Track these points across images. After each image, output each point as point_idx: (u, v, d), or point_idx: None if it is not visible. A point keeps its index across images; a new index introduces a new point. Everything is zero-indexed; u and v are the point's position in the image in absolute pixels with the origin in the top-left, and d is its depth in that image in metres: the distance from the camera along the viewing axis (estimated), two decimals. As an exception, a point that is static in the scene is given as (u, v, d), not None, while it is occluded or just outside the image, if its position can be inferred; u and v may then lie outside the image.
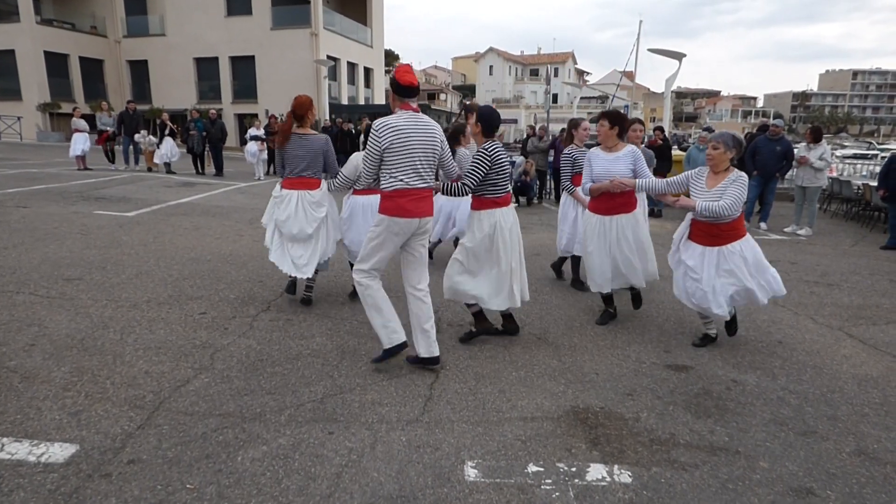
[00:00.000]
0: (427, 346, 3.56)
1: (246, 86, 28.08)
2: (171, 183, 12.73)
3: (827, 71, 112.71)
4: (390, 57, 46.73)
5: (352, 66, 30.83)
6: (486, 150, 3.74)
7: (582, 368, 3.74)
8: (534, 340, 4.22)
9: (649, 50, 17.14)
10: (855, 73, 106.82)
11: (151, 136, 15.04)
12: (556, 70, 66.44)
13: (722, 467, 2.67)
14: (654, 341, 4.28)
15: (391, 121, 3.36)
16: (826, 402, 3.36)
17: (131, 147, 15.07)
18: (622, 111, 11.89)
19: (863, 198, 10.59)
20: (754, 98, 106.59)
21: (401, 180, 3.36)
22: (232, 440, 2.76)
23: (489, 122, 3.79)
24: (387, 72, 35.80)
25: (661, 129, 11.29)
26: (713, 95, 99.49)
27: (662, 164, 10.50)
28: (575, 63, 73.53)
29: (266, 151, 15.40)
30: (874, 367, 3.90)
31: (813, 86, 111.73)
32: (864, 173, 16.25)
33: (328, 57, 26.58)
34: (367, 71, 32.64)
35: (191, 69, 28.51)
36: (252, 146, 15.01)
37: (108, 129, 14.78)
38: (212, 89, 28.66)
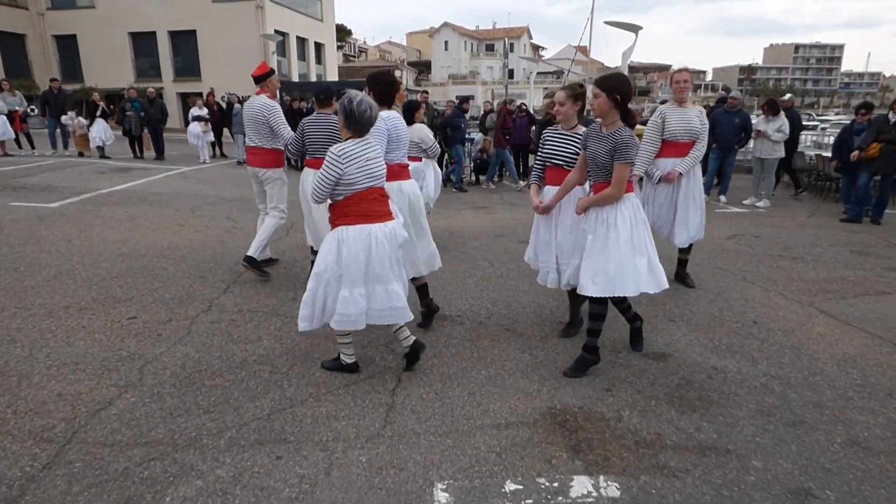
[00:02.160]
0: None
1: (188, 62, 26.51)
2: (104, 169, 11.80)
3: (771, 45, 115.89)
4: (342, 32, 45.27)
5: (301, 42, 29.55)
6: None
7: (556, 362, 3.46)
8: (502, 332, 3.93)
9: (606, 23, 16.88)
10: (797, 47, 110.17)
11: (81, 118, 13.90)
12: (511, 45, 65.93)
13: (714, 470, 2.44)
14: (628, 326, 4.04)
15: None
16: (809, 387, 3.19)
17: (58, 130, 13.92)
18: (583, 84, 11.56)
19: (815, 168, 10.71)
20: (703, 71, 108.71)
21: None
22: (160, 475, 2.36)
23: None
24: (339, 47, 34.59)
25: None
26: (665, 69, 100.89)
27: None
28: (530, 38, 73.08)
29: (211, 132, 14.52)
30: (850, 345, 3.78)
31: (758, 59, 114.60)
32: (808, 143, 16.65)
33: (276, 31, 25.31)
34: (318, 46, 31.37)
35: (126, 45, 26.67)
36: (195, 127, 14.09)
37: (17, 109, 13.50)
38: (151, 67, 26.93)
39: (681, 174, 4.63)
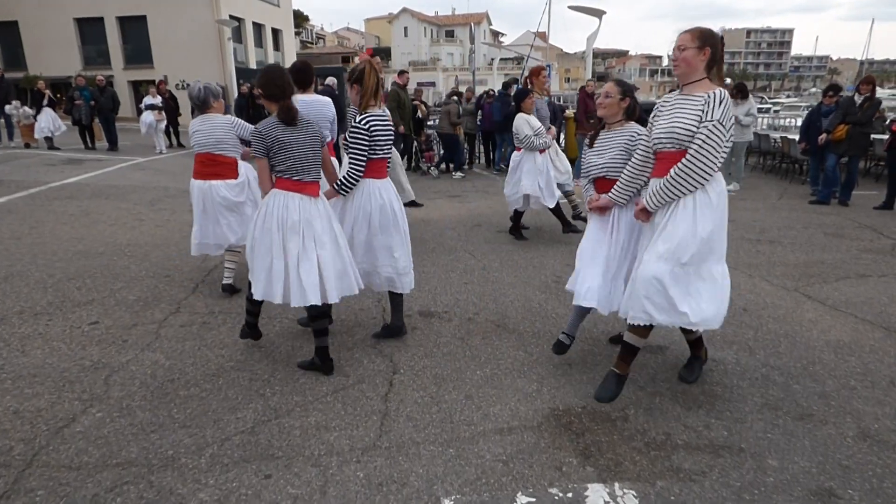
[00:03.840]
0: None
1: (139, 49, 25.24)
2: (53, 160, 11.09)
3: (723, 29, 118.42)
4: (299, 18, 44.07)
5: (258, 27, 28.54)
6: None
7: (552, 359, 3.32)
8: (493, 328, 3.76)
9: (570, 7, 16.75)
10: (748, 32, 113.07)
11: (26, 108, 13.05)
12: (471, 31, 65.47)
13: (731, 471, 2.34)
14: (621, 319, 3.93)
15: None
16: (811, 377, 3.14)
17: (2, 120, 13.04)
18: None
19: (781, 151, 10.90)
20: (660, 57, 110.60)
21: None
22: (134, 502, 2.11)
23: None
24: (297, 33, 33.63)
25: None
26: (622, 55, 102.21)
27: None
28: (490, 24, 72.72)
29: (165, 121, 13.83)
30: (842, 331, 3.76)
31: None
32: (764, 126, 17.09)
33: (231, 17, 24.34)
34: (276, 32, 30.37)
35: (72, 31, 25.23)
36: (148, 116, 13.36)
37: None
38: (99, 54, 25.57)
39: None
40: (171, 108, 14.22)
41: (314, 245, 2.90)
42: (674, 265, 2.59)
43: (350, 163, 3.11)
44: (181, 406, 2.78)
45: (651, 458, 2.43)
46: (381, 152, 3.19)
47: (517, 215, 6.11)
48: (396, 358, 3.31)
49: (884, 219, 7.15)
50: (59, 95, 14.06)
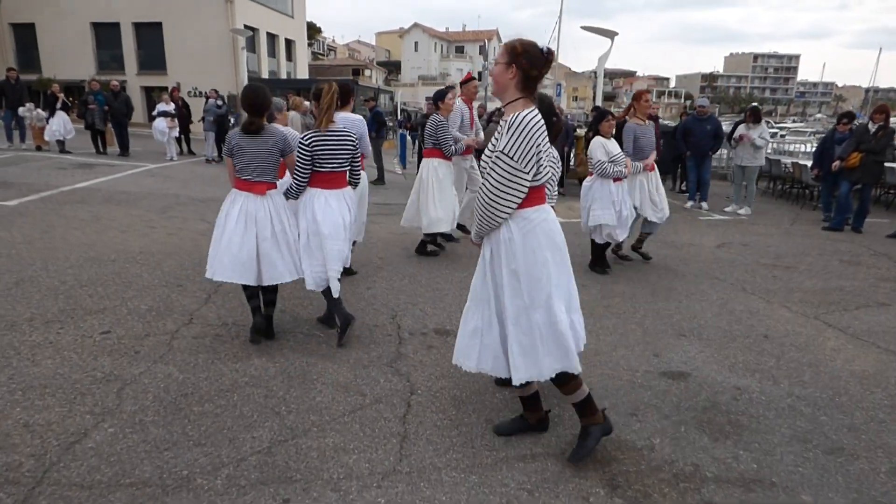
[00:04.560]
0: None
1: (153, 56, 25.45)
2: (64, 164, 11.12)
3: (731, 54, 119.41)
4: (312, 30, 44.52)
5: (272, 38, 28.79)
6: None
7: (573, 383, 3.25)
8: (511, 349, 3.69)
9: (582, 27, 16.81)
10: (755, 57, 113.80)
11: (39, 110, 13.12)
12: (480, 48, 66.01)
13: (763, 508, 2.27)
14: (640, 343, 3.87)
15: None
16: (838, 409, 3.06)
17: (14, 122, 13.10)
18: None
19: (792, 176, 10.87)
20: (667, 78, 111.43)
21: None
22: (149, 526, 2.05)
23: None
24: (309, 44, 33.91)
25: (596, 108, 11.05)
26: (630, 75, 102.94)
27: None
28: (500, 41, 73.35)
29: (178, 129, 13.89)
30: (866, 361, 3.69)
31: (719, 68, 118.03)
32: (770, 151, 17.08)
33: (245, 27, 24.58)
34: (289, 43, 30.64)
35: (88, 35, 25.46)
36: (160, 123, 13.45)
37: None
38: (113, 59, 25.77)
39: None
40: (183, 115, 14.28)
41: (255, 234, 3.47)
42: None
43: (294, 174, 3.53)
44: (195, 423, 2.71)
45: (681, 490, 2.35)
46: (327, 166, 3.53)
47: (598, 248, 5.54)
48: (413, 378, 3.24)
49: (899, 247, 7.08)
50: (71, 99, 14.09)
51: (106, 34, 25.59)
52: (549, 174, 2.47)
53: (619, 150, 5.29)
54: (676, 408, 3.03)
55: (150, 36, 25.28)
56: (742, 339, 4.02)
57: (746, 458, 2.60)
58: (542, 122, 2.27)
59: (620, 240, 5.47)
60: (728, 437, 2.77)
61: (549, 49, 2.27)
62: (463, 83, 6.20)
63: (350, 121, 4.31)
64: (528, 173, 2.23)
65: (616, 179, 5.26)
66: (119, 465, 2.38)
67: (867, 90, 71.85)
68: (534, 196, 2.33)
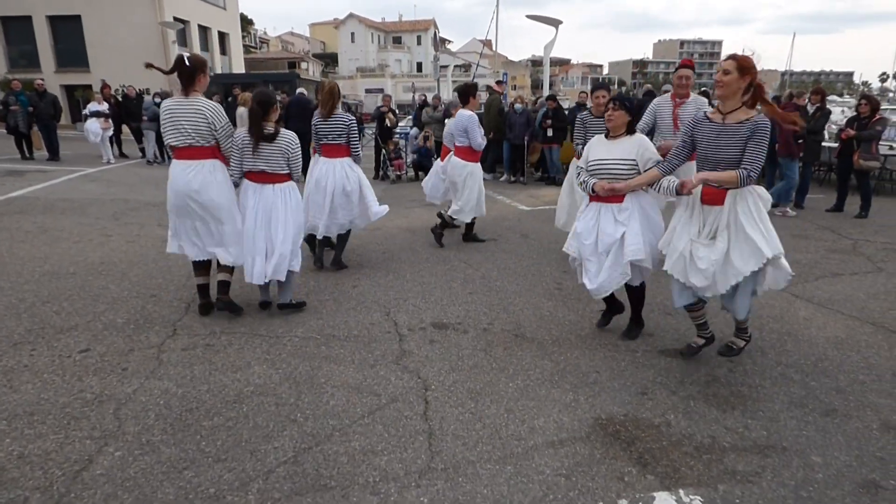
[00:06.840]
0: None
1: (73, 52, 23.83)
2: (-9, 173, 10.29)
3: (659, 40, 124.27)
4: (244, 21, 42.85)
5: (204, 31, 27.54)
6: None
7: (579, 367, 3.32)
8: (512, 338, 3.73)
9: (528, 16, 17.14)
10: (682, 43, 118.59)
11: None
12: (418, 38, 65.70)
13: (782, 471, 2.40)
14: (632, 320, 3.99)
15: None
16: (824, 374, 3.28)
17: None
18: (502, 80, 11.69)
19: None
20: (600, 66, 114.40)
21: None
22: (191, 550, 1.95)
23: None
24: (243, 37, 32.69)
25: (552, 97, 11.23)
26: (565, 63, 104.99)
27: (559, 133, 10.47)
28: (437, 31, 73.13)
29: (111, 129, 13.05)
30: (837, 328, 3.95)
31: (648, 54, 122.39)
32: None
33: (175, 19, 23.42)
34: (222, 36, 29.41)
35: (-6, 31, 23.61)
36: (93, 124, 12.58)
37: None
38: (24, 55, 23.96)
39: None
40: (116, 114, 13.44)
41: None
42: None
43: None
44: (209, 438, 2.59)
45: (705, 462, 2.46)
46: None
47: None
48: (423, 373, 3.22)
49: (838, 220, 7.60)
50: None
51: (16, 28, 23.76)
52: None
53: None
54: (681, 383, 3.15)
55: (68, 30, 23.67)
56: (722, 314, 4.20)
57: (755, 426, 2.74)
58: None
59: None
60: (735, 407, 2.91)
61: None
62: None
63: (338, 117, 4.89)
64: None
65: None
66: (138, 489, 2.25)
67: (783, 73, 76.37)
68: None
